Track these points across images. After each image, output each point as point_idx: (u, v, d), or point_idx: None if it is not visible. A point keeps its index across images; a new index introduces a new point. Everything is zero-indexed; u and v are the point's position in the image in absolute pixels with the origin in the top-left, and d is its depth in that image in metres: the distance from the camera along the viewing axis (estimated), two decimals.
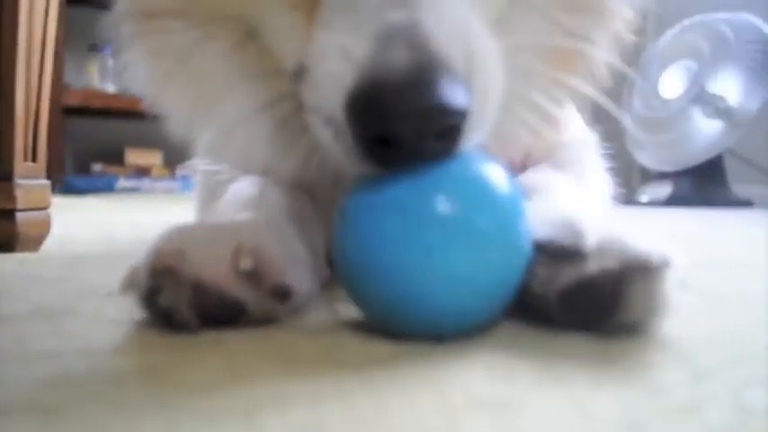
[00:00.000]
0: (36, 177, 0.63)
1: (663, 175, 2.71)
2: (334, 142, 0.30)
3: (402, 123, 0.27)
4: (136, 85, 0.47)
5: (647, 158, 2.74)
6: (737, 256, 0.79)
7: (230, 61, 0.39)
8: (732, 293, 0.46)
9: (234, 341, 0.29)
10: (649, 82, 2.73)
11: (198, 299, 0.29)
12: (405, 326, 0.29)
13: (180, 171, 3.22)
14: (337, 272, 0.31)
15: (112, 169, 3.17)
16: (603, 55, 0.42)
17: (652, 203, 2.60)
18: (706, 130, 2.60)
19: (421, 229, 0.28)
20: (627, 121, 2.87)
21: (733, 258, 0.74)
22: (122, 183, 3.20)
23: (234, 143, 0.41)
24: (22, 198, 0.60)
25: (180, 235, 0.30)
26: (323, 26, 0.30)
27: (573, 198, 0.39)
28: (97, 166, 3.07)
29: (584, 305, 0.29)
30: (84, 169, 3.23)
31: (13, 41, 0.60)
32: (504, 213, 0.29)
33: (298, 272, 0.32)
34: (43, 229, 0.64)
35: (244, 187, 0.42)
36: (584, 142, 0.55)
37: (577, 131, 0.55)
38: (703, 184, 2.62)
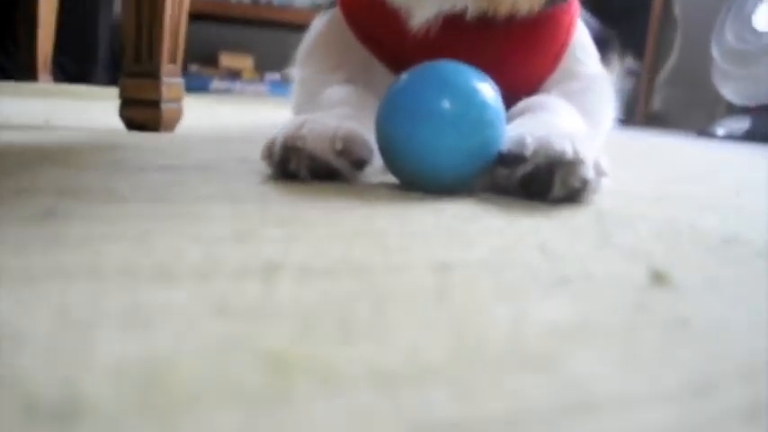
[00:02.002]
0: (175, 76, 0.82)
1: (742, 110, 2.66)
2: None
3: None
4: None
5: (731, 92, 2.69)
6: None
7: None
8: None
9: (330, 188, 0.46)
10: (744, 14, 2.63)
11: (312, 165, 0.45)
12: (418, 184, 0.46)
13: (269, 76, 3.42)
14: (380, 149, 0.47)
15: (207, 71, 3.39)
16: None
17: (729, 137, 2.58)
18: None
19: (423, 122, 0.43)
20: (716, 52, 2.80)
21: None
22: (216, 84, 3.43)
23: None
24: (165, 92, 0.79)
25: (300, 124, 0.46)
26: None
27: (551, 119, 0.52)
28: (193, 67, 3.29)
29: (531, 188, 0.45)
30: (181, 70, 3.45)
31: None
32: (483, 114, 0.44)
33: (369, 149, 0.48)
34: (178, 115, 0.83)
35: (334, 91, 0.59)
36: (598, 76, 0.67)
37: (593, 65, 0.67)
38: None
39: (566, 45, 0.65)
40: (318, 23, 0.70)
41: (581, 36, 0.67)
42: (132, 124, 0.79)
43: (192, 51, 3.47)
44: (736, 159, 1.34)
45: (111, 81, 2.72)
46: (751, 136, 2.53)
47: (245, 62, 3.50)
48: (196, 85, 3.18)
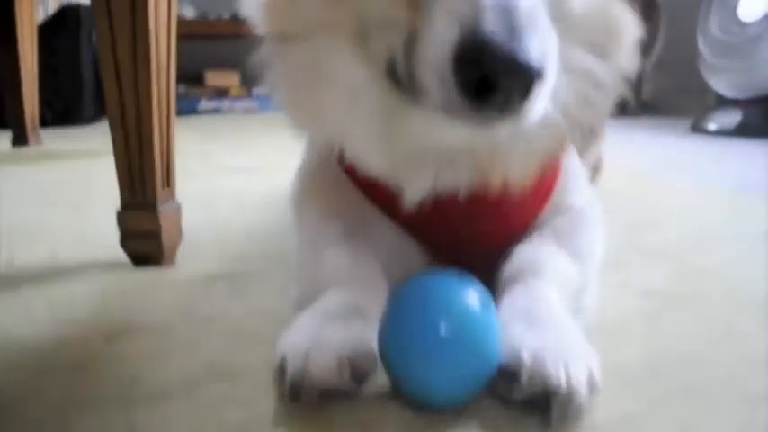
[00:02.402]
0: (170, 200, 0.82)
1: (733, 103, 2.66)
2: (438, 92, 0.42)
3: (500, 72, 0.40)
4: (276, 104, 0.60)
5: (720, 84, 2.68)
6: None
7: (351, 65, 0.52)
8: None
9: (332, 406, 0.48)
10: (729, 4, 2.62)
11: (320, 394, 0.46)
12: (418, 399, 0.47)
13: (257, 91, 3.40)
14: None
15: (194, 91, 3.37)
16: (623, 66, 0.56)
17: (720, 133, 2.58)
18: None
19: (424, 345, 0.45)
20: (702, 44, 2.79)
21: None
22: (204, 104, 3.41)
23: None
24: (162, 222, 0.80)
25: (305, 351, 0.47)
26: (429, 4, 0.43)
27: (544, 312, 0.52)
28: (181, 89, 3.26)
29: (529, 406, 0.46)
30: None
31: (148, 93, 0.77)
32: (481, 337, 0.45)
33: (373, 361, 0.49)
34: (177, 241, 0.84)
35: (336, 262, 0.59)
36: (585, 207, 0.68)
37: (583, 195, 0.68)
38: None
39: (555, 183, 0.66)
40: (309, 161, 0.70)
41: (569, 165, 0.67)
42: (136, 258, 0.80)
43: (177, 72, 3.47)
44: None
45: (97, 112, 2.72)
46: (743, 130, 2.54)
47: (231, 79, 3.49)
48: (185, 108, 3.17)
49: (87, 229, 0.99)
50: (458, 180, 0.57)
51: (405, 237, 0.65)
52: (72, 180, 1.44)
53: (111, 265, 0.81)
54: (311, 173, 0.69)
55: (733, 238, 0.98)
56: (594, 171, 1.32)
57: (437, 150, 0.55)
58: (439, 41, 0.42)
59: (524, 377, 0.45)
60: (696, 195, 1.34)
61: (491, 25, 0.40)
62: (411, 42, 0.45)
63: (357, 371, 0.48)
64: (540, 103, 0.44)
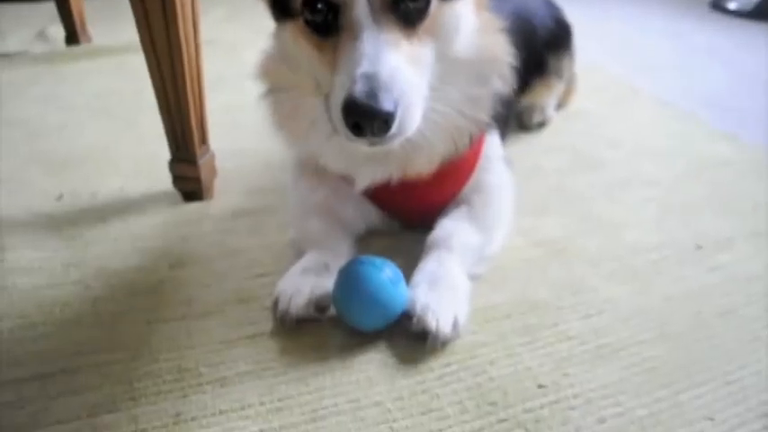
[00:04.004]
0: (206, 153, 1.11)
1: None
2: (340, 128, 0.69)
3: (361, 120, 0.66)
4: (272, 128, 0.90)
5: None
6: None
7: (314, 107, 0.81)
8: None
9: (305, 326, 0.81)
10: None
11: (297, 321, 0.79)
12: (353, 326, 0.79)
13: None
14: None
15: None
16: (498, 87, 0.83)
17: (739, 14, 2.60)
18: None
19: (354, 297, 0.76)
20: None
21: None
22: None
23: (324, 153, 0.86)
24: (201, 170, 1.09)
25: (288, 295, 0.79)
26: (336, 73, 0.70)
27: (442, 277, 0.81)
28: None
29: (418, 336, 0.77)
30: None
31: (182, 75, 1.02)
32: (389, 296, 0.75)
33: (329, 301, 0.81)
34: (213, 178, 1.14)
35: (315, 230, 0.90)
36: (499, 186, 0.94)
37: (497, 175, 0.94)
38: None
39: (475, 164, 0.92)
40: (298, 161, 0.99)
41: (489, 150, 0.93)
42: (185, 194, 1.12)
43: None
44: None
45: None
46: (760, 13, 2.54)
47: None
48: None
49: (145, 158, 1.29)
50: (387, 172, 0.86)
51: (367, 204, 0.94)
52: (123, 89, 1.71)
53: (168, 198, 1.13)
54: (300, 164, 0.97)
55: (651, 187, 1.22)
56: (567, 93, 1.53)
57: (368, 154, 0.83)
58: (336, 98, 0.69)
59: (414, 321, 0.76)
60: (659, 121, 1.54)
61: (359, 89, 0.66)
62: (328, 97, 0.72)
63: (319, 307, 0.80)
64: (411, 125, 0.71)
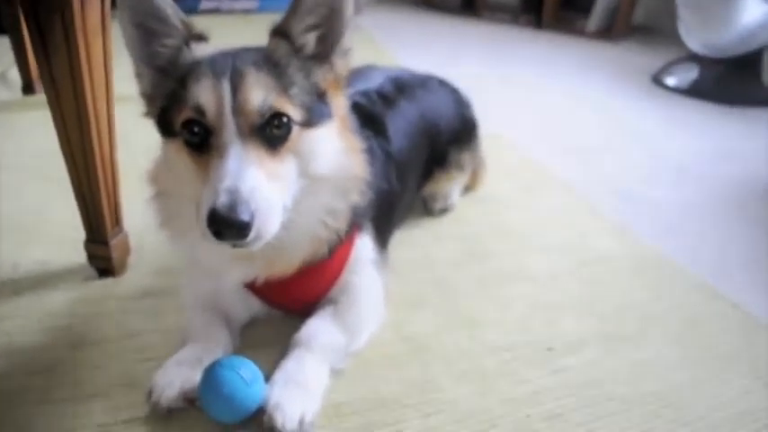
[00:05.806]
0: (118, 234, 1.22)
1: (692, 58, 2.73)
2: (205, 233, 0.78)
3: (221, 228, 0.77)
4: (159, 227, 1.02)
5: (691, 41, 2.72)
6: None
7: (192, 211, 0.89)
8: None
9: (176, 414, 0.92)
10: None
11: (168, 410, 0.90)
12: (215, 419, 0.90)
13: None
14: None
15: None
16: (353, 199, 0.97)
17: (677, 90, 2.68)
18: (753, 17, 2.55)
19: (212, 397, 0.88)
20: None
21: None
22: (204, 4, 3.61)
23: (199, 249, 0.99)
24: (113, 250, 1.20)
25: (161, 388, 0.90)
26: (205, 189, 0.82)
27: (298, 374, 0.93)
28: None
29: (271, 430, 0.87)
30: None
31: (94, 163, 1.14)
32: (244, 395, 0.87)
33: (197, 394, 0.92)
34: (126, 257, 1.25)
35: (198, 325, 1.02)
36: (365, 287, 1.07)
37: (364, 276, 1.07)
38: (733, 77, 2.61)
39: (343, 266, 1.05)
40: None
41: (359, 252, 1.06)
42: (98, 271, 1.23)
43: None
44: None
45: None
46: (696, 90, 2.62)
47: None
48: (185, 6, 3.38)
49: (73, 227, 1.38)
50: (253, 270, 0.98)
51: (250, 296, 1.07)
52: None
53: (85, 272, 1.24)
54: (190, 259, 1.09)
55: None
56: (475, 178, 1.67)
57: (235, 254, 0.95)
58: (203, 208, 0.80)
59: (265, 417, 0.88)
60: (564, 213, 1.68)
61: (221, 201, 0.78)
62: (199, 206, 0.83)
63: (189, 399, 0.92)
64: (268, 232, 0.82)
